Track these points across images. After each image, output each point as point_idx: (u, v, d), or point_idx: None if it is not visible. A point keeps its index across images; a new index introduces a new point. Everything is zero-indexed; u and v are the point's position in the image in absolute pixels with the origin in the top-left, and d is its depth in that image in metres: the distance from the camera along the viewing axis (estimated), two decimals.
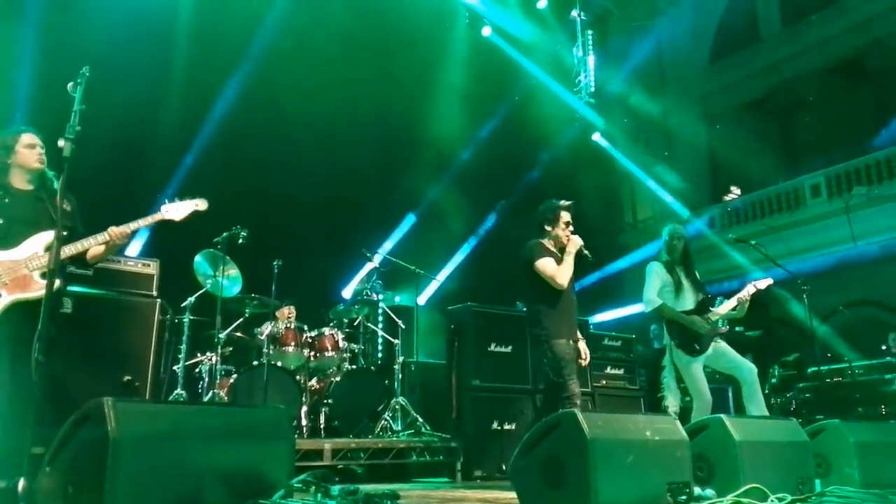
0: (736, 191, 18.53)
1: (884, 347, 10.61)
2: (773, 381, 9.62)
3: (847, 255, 14.39)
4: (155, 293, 5.79)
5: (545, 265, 4.87)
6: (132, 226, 4.01)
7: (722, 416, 3.70)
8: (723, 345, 5.70)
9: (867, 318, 14.74)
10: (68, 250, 3.78)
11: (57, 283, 3.67)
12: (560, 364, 4.76)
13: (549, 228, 5.06)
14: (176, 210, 4.17)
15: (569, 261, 4.93)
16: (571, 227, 5.07)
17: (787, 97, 18.29)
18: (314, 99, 9.81)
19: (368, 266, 7.78)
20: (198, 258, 6.62)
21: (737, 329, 8.16)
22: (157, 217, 4.11)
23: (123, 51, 8.08)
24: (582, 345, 5.18)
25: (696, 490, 3.24)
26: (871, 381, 8.96)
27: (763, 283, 6.16)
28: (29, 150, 3.89)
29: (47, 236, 3.76)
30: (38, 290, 3.64)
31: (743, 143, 17.22)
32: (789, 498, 3.30)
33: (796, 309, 12.43)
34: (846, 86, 17.55)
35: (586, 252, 4.99)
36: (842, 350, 12.19)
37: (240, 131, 9.29)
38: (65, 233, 3.73)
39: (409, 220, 11.63)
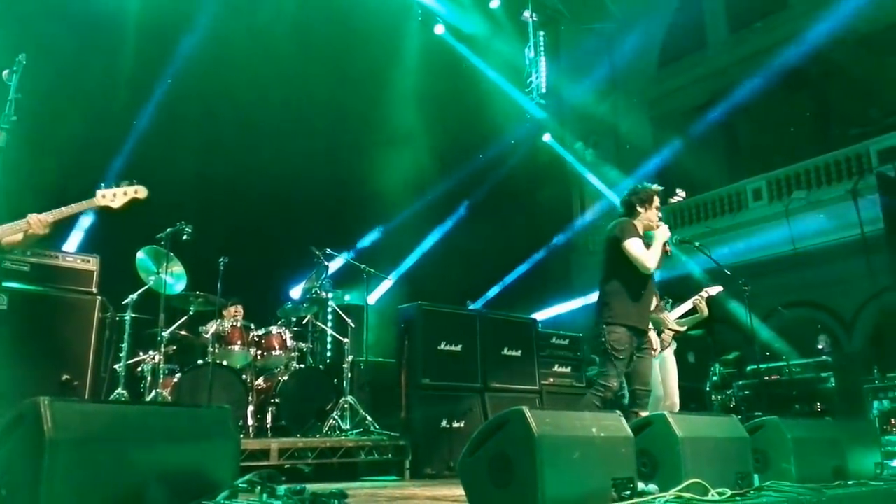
0: (681, 193, 18.85)
1: (820, 346, 10.96)
2: (714, 378, 9.85)
3: (786, 256, 14.77)
4: (95, 290, 5.64)
5: (635, 246, 4.70)
6: (56, 213, 3.77)
7: (665, 413, 3.77)
8: (672, 363, 5.83)
9: (805, 318, 15.18)
10: None
11: None
12: (608, 352, 4.66)
13: (641, 210, 4.89)
14: (113, 196, 3.89)
15: (658, 247, 4.77)
16: (660, 214, 4.95)
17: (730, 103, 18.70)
18: (265, 93, 9.69)
19: (318, 265, 7.70)
20: (140, 254, 6.46)
21: (689, 331, 8.37)
22: (91, 203, 3.86)
23: (64, 34, 7.79)
24: (652, 335, 5.17)
25: (640, 485, 3.29)
26: (808, 379, 9.25)
27: (714, 290, 6.38)
28: None
29: None
30: None
31: (688, 147, 17.57)
32: (729, 492, 3.37)
33: (737, 309, 12.74)
34: (787, 93, 18.03)
35: (668, 248, 4.86)
36: (780, 349, 12.53)
37: (187, 125, 9.10)
38: None
39: (361, 219, 11.55)
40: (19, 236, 3.76)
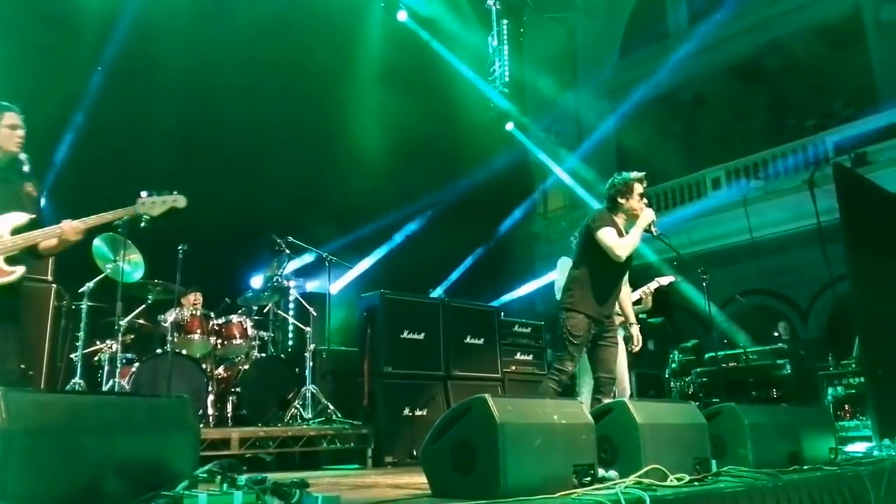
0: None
1: (776, 334, 11.18)
2: (673, 365, 9.99)
3: (744, 245, 15.00)
4: (50, 278, 5.54)
5: (606, 235, 4.69)
6: (92, 221, 3.74)
7: (625, 400, 3.82)
8: (621, 348, 5.89)
9: (761, 306, 15.49)
10: (21, 239, 3.57)
11: (20, 269, 3.54)
12: (565, 337, 4.70)
13: (622, 201, 4.85)
14: (152, 204, 3.91)
15: (636, 233, 4.76)
16: (645, 200, 4.90)
17: (690, 93, 18.92)
18: (224, 80, 9.52)
19: (279, 253, 7.61)
20: (97, 242, 6.28)
21: (640, 316, 8.45)
22: (129, 210, 3.87)
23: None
24: (635, 330, 5.20)
25: (601, 471, 3.33)
26: (764, 365, 9.43)
27: (665, 280, 6.46)
28: (10, 131, 3.65)
29: (14, 218, 3.58)
30: None
31: (649, 137, 17.76)
32: (687, 478, 3.42)
33: (695, 297, 12.94)
34: (745, 84, 18.32)
35: (653, 229, 4.86)
36: (737, 336, 12.76)
37: (144, 108, 8.90)
38: (33, 216, 3.60)
39: (322, 208, 11.44)
40: (54, 241, 3.71)
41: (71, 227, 3.67)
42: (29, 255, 3.69)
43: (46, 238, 3.67)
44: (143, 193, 3.93)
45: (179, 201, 4.04)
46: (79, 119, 8.45)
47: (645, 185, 4.94)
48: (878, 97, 14.90)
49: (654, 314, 9.59)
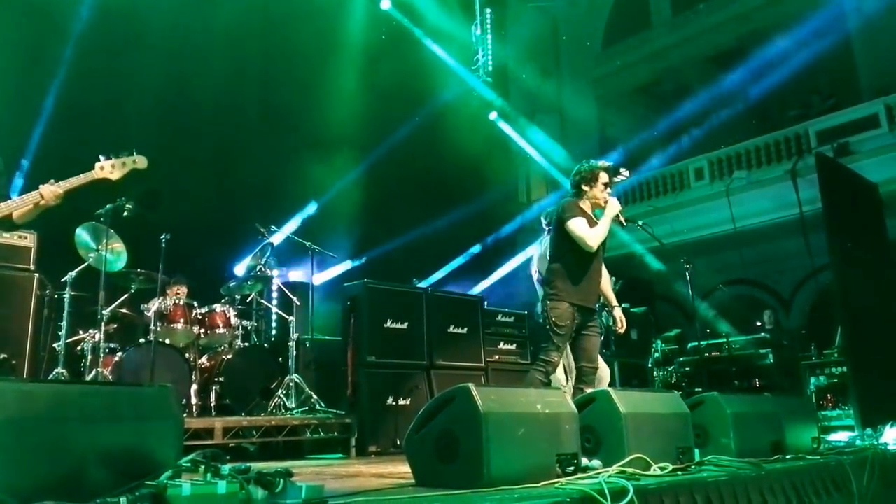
0: (625, 172, 19.03)
1: (758, 324, 11.27)
2: (656, 355, 10.03)
3: (727, 235, 15.08)
4: (32, 267, 5.50)
5: (577, 226, 4.71)
6: (64, 185, 3.67)
7: (609, 389, 3.83)
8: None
9: (744, 295, 15.59)
10: None
11: None
12: (549, 328, 4.73)
13: (586, 189, 4.88)
14: (111, 168, 3.80)
15: (605, 223, 4.78)
16: (610, 189, 4.91)
17: (672, 83, 18.97)
18: (207, 64, 9.44)
19: (262, 241, 7.58)
20: (79, 231, 6.25)
21: (623, 306, 8.48)
22: (89, 176, 3.77)
23: None
24: (617, 312, 5.23)
25: (584, 461, 3.34)
26: (747, 355, 9.49)
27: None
28: None
29: None
30: None
31: (631, 126, 17.79)
32: (670, 467, 3.44)
33: (679, 287, 13.00)
34: (728, 73, 18.35)
35: (622, 218, 4.88)
36: (720, 326, 12.85)
37: (127, 96, 8.81)
38: None
39: (304, 197, 11.40)
40: (30, 208, 3.67)
41: (50, 192, 3.63)
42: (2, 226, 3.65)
43: (25, 205, 3.63)
44: (101, 157, 3.82)
45: (139, 161, 3.92)
46: (49, 106, 8.35)
47: (622, 174, 4.97)
48: (860, 87, 15.00)
49: (637, 303, 9.64)
